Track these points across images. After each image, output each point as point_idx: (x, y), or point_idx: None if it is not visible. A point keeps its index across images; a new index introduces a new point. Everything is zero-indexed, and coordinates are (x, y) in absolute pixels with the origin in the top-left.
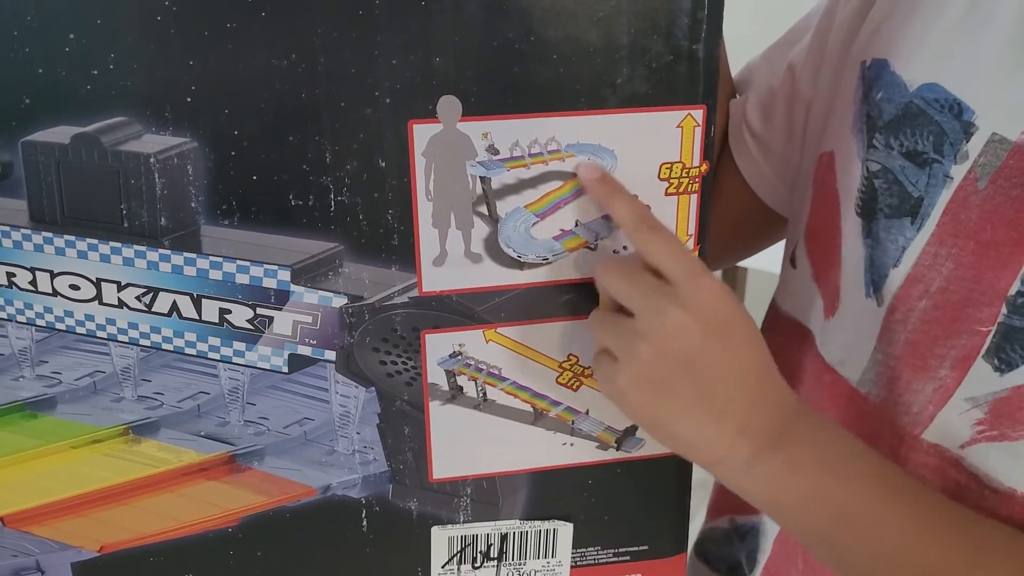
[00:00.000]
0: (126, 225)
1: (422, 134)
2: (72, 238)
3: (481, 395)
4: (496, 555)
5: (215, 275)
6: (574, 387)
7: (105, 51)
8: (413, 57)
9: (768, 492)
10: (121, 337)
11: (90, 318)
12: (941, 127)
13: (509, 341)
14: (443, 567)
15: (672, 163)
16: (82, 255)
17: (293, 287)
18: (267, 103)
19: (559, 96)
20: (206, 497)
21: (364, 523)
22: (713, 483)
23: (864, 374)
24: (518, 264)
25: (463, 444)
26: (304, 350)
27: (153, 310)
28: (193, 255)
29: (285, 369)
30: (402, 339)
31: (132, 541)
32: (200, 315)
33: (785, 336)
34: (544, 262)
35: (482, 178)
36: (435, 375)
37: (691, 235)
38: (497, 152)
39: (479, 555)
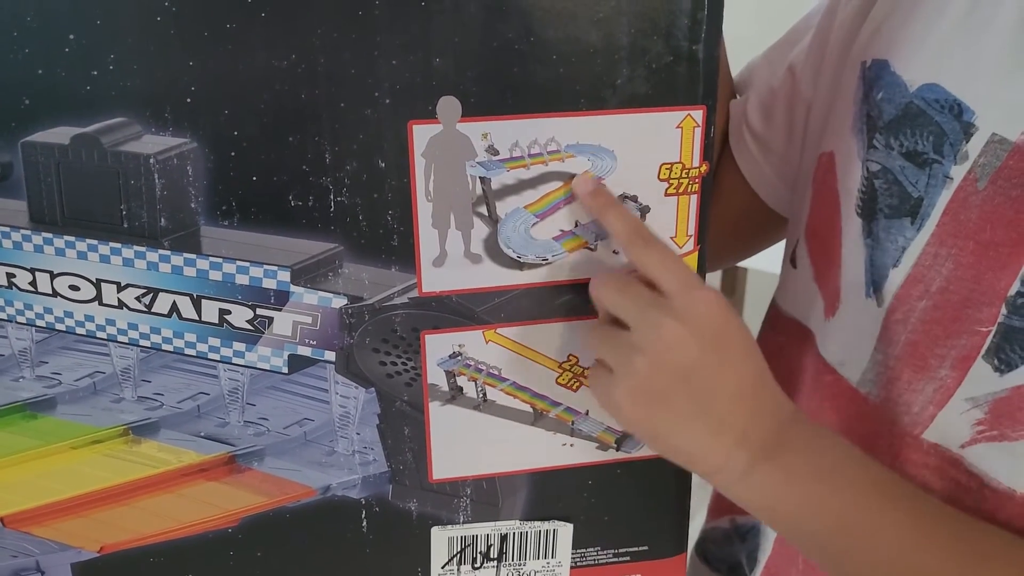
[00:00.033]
0: (126, 226)
1: (422, 135)
2: (72, 239)
3: (481, 396)
4: (496, 556)
5: (215, 276)
6: (574, 388)
7: (105, 52)
8: (413, 58)
9: (765, 500)
10: (121, 338)
11: (90, 319)
12: (941, 127)
13: (509, 342)
14: (443, 567)
15: (672, 163)
16: (82, 256)
17: (293, 288)
18: (267, 104)
19: (559, 97)
20: (206, 498)
21: (364, 524)
22: None
23: (864, 374)
24: (518, 265)
25: (463, 445)
26: (304, 351)
27: (153, 311)
28: (193, 256)
29: (285, 370)
30: (402, 340)
31: (132, 542)
32: (200, 316)
33: (785, 336)
34: (544, 263)
35: (482, 179)
36: (435, 376)
37: (691, 235)
38: (497, 153)
39: (479, 555)
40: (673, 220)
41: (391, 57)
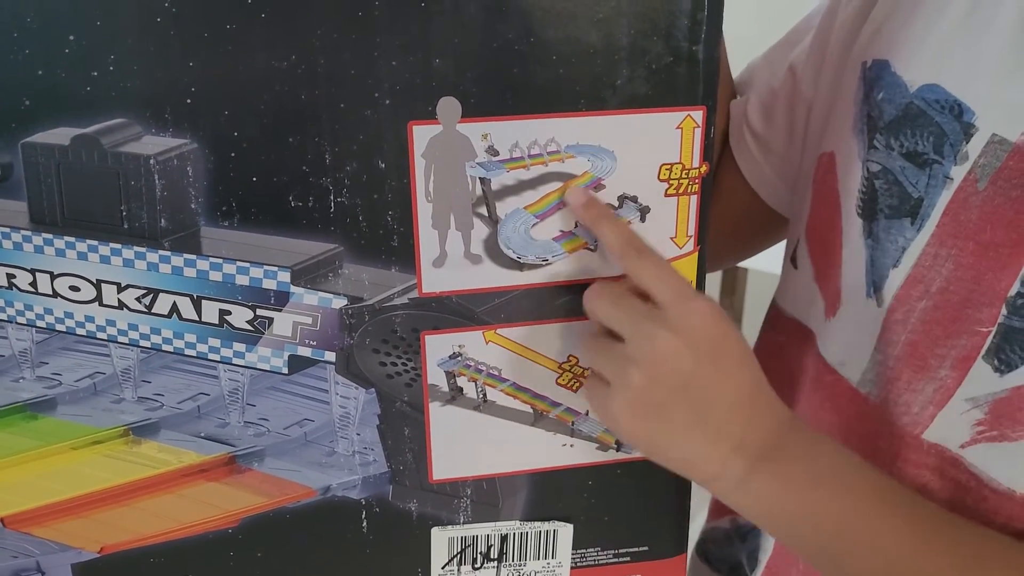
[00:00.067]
0: (126, 226)
1: (422, 135)
2: (72, 239)
3: (481, 396)
4: (496, 556)
5: (215, 276)
6: (574, 388)
7: (105, 53)
8: (413, 58)
9: (763, 507)
10: (121, 338)
11: (90, 319)
12: (941, 128)
13: (509, 342)
14: (443, 568)
15: (672, 164)
16: (82, 256)
17: (293, 288)
18: (267, 104)
19: (559, 97)
20: (206, 498)
21: (364, 524)
22: None
23: (864, 374)
24: (518, 265)
25: (463, 445)
26: (304, 351)
27: (153, 311)
28: (193, 256)
29: (285, 370)
30: (402, 340)
31: (132, 542)
32: (200, 316)
33: (786, 336)
34: (544, 263)
35: (482, 179)
36: (435, 376)
37: (691, 236)
38: (497, 153)
39: (479, 556)
40: (673, 220)
41: (391, 58)
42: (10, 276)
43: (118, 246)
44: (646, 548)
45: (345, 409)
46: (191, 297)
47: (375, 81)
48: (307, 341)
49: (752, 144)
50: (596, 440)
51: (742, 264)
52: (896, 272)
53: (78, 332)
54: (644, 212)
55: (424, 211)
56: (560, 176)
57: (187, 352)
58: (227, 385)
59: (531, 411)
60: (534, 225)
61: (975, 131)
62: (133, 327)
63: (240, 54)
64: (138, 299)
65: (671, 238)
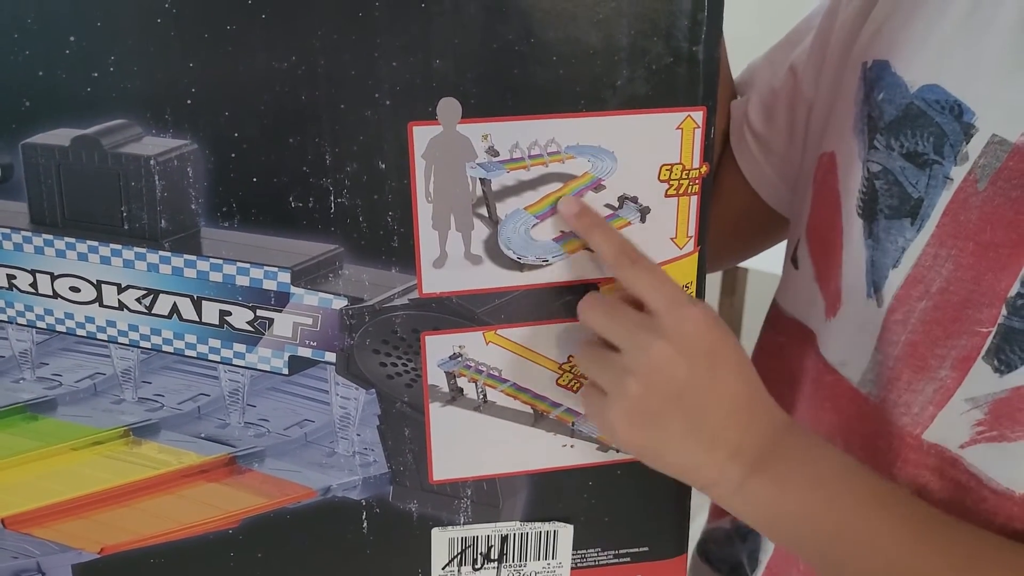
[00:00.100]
0: (126, 227)
1: (422, 136)
2: (72, 240)
3: (481, 397)
4: (496, 557)
5: (215, 277)
6: (574, 389)
7: (105, 53)
8: (413, 59)
9: (761, 511)
10: (121, 339)
11: (90, 320)
12: (941, 128)
13: (509, 343)
14: (443, 569)
15: (672, 165)
16: (82, 257)
17: (293, 289)
18: (267, 105)
19: (559, 98)
20: (206, 499)
21: (364, 525)
22: None
23: (865, 375)
24: (518, 266)
25: (463, 446)
26: (304, 352)
27: (153, 312)
28: (193, 257)
29: (285, 371)
30: (402, 341)
31: (132, 543)
32: (200, 317)
33: (787, 336)
34: (544, 264)
35: (482, 180)
36: (435, 377)
37: (691, 236)
38: (497, 154)
39: (479, 557)
40: (673, 221)
41: (391, 58)
42: (10, 277)
43: (118, 247)
44: (646, 549)
45: (345, 410)
46: (191, 298)
47: (375, 82)
48: (307, 342)
49: (753, 144)
50: (596, 441)
51: (742, 264)
52: (896, 272)
53: (78, 333)
54: (644, 213)
55: (424, 212)
56: (560, 177)
57: (187, 353)
58: (227, 386)
59: (531, 412)
60: (534, 226)
61: (975, 131)
62: (133, 328)
63: (240, 55)
64: (138, 300)
65: (671, 238)
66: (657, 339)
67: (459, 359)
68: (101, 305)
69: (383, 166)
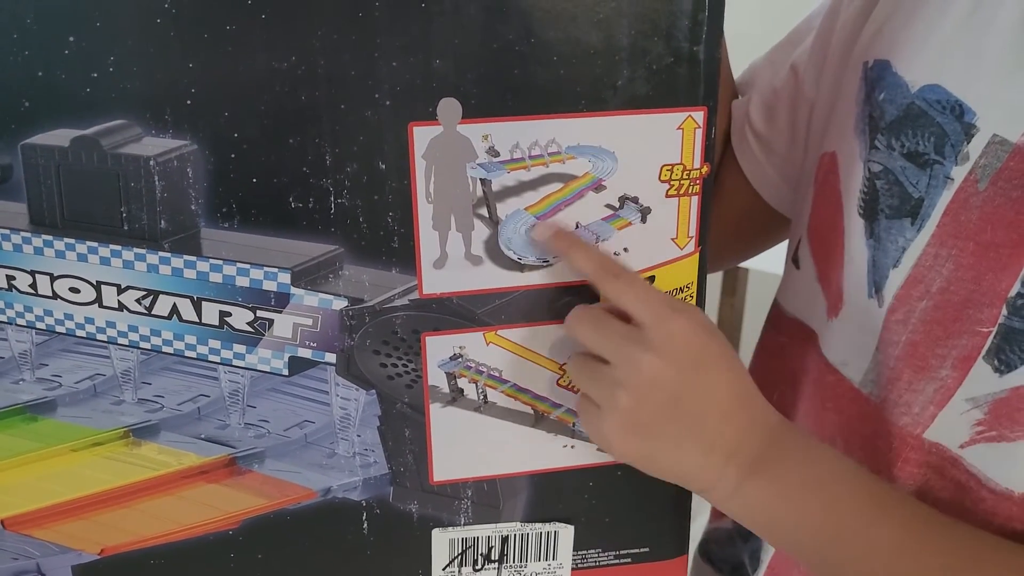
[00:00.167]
0: (126, 228)
1: (422, 136)
2: (72, 241)
3: (482, 397)
4: (497, 557)
5: (215, 278)
6: (574, 389)
7: (105, 54)
8: (413, 59)
9: (759, 514)
10: (121, 340)
11: (90, 321)
12: (942, 128)
13: (510, 343)
14: (444, 569)
15: (673, 165)
16: (82, 258)
17: (293, 289)
18: (267, 105)
19: (559, 98)
20: (206, 500)
21: (365, 526)
22: None
23: (866, 375)
24: (518, 266)
25: (464, 446)
26: (304, 353)
27: (153, 313)
28: (193, 258)
29: (285, 372)
30: (402, 341)
31: (133, 544)
32: (200, 318)
33: (788, 336)
34: (544, 264)
35: (482, 180)
36: (436, 377)
37: (692, 237)
38: (497, 154)
39: (480, 557)
40: (674, 221)
41: (391, 59)
42: (10, 278)
43: (118, 248)
44: (647, 549)
45: (345, 410)
46: (191, 299)
47: (375, 82)
48: (307, 342)
49: (754, 144)
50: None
51: (743, 264)
52: (896, 272)
53: (78, 334)
54: (645, 213)
55: (425, 212)
56: (561, 177)
57: (187, 354)
58: (227, 387)
59: (532, 412)
60: (535, 226)
61: (976, 131)
62: (133, 329)
63: (240, 55)
64: (138, 301)
65: (672, 239)
66: (645, 352)
67: (459, 360)
68: (101, 306)
69: (383, 166)
